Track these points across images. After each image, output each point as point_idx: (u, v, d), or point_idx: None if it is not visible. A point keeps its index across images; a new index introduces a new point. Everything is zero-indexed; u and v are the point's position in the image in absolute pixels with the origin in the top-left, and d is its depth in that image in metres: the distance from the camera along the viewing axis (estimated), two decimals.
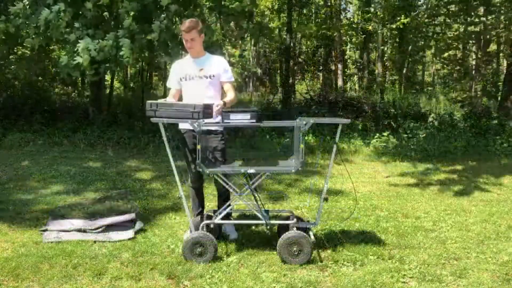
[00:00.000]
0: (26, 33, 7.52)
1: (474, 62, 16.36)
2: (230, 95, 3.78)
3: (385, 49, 16.35)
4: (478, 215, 4.70)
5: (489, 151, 8.48)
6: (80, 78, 14.47)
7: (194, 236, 3.34)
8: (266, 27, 9.82)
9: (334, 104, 12.18)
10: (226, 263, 3.35)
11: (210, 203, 5.07)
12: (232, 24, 8.86)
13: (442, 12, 11.53)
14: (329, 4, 17.67)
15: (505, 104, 10.55)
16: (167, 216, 4.56)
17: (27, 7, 7.08)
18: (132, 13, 7.27)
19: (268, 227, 3.72)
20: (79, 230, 3.95)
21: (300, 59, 17.26)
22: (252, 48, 23.31)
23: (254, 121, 3.39)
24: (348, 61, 20.48)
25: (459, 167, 7.47)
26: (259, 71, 22.39)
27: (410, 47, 14.25)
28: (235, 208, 4.31)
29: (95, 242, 3.76)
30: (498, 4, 10.21)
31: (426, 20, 12.38)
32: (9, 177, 6.18)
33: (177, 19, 7.56)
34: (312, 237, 3.50)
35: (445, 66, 15.03)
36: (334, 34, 15.93)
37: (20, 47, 11.86)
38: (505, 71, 11.29)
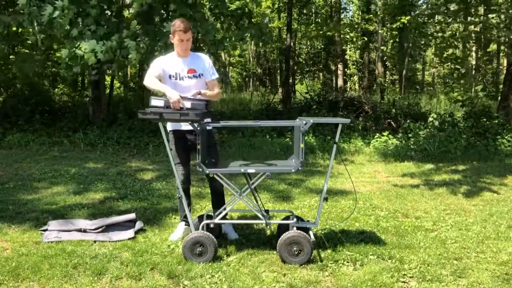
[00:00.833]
0: (29, 30, 7.54)
1: (474, 62, 16.35)
2: (215, 91, 3.82)
3: (385, 49, 16.36)
4: (478, 215, 4.70)
5: (489, 151, 8.48)
6: (80, 78, 14.50)
7: (194, 236, 3.34)
8: (266, 27, 9.80)
9: (334, 104, 12.17)
10: (226, 263, 3.35)
11: (210, 203, 5.07)
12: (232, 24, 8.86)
13: (442, 11, 11.52)
14: (329, 3, 17.69)
15: (505, 104, 10.55)
16: (167, 216, 4.56)
17: (30, 2, 7.09)
18: (136, 10, 7.29)
19: (268, 227, 3.72)
20: (79, 230, 3.95)
21: (300, 59, 17.26)
22: (252, 48, 23.32)
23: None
24: (348, 61, 20.49)
25: (459, 167, 7.47)
26: (259, 71, 22.40)
27: (410, 47, 14.25)
28: (235, 208, 4.31)
29: (95, 242, 3.77)
30: (499, 4, 10.20)
31: (426, 20, 12.37)
32: (9, 177, 6.18)
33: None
34: (312, 237, 3.50)
35: (445, 66, 15.03)
36: (335, 34, 15.94)
37: (21, 47, 11.87)
38: (505, 71, 11.27)
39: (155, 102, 3.40)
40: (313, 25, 17.29)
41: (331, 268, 3.28)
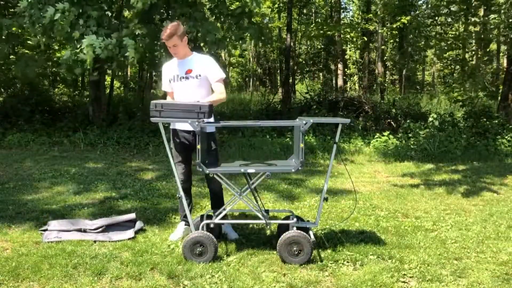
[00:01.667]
0: (30, 32, 7.54)
1: (474, 62, 16.35)
2: (214, 94, 3.72)
3: (385, 49, 16.36)
4: (478, 215, 4.70)
5: (489, 151, 8.48)
6: (80, 78, 14.49)
7: (194, 236, 3.34)
8: (266, 27, 9.82)
9: (334, 104, 12.18)
10: (226, 263, 3.35)
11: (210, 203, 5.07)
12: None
13: (442, 12, 11.53)
14: (329, 3, 17.69)
15: (505, 104, 10.54)
16: (167, 216, 4.56)
17: (31, 4, 7.09)
18: (137, 11, 7.29)
19: (268, 226, 3.72)
20: (79, 230, 3.95)
21: (300, 59, 17.26)
22: (252, 48, 23.31)
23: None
24: (348, 61, 20.50)
25: (459, 167, 7.47)
26: (259, 71, 22.40)
27: (410, 47, 14.26)
28: (235, 208, 4.31)
29: (95, 242, 3.77)
30: (499, 4, 10.20)
31: (427, 20, 12.38)
32: (9, 177, 6.18)
33: (181, 17, 7.59)
34: (312, 237, 3.50)
35: (445, 66, 15.04)
36: (335, 34, 15.94)
37: (21, 47, 11.86)
38: (505, 71, 11.27)
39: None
40: (313, 24, 17.30)
41: (331, 268, 3.28)
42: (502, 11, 10.05)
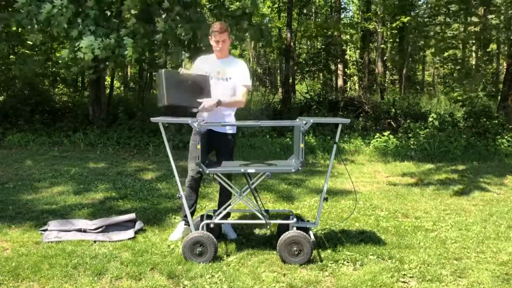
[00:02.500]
0: (28, 29, 7.53)
1: (474, 62, 16.35)
2: (235, 97, 3.76)
3: (385, 48, 16.35)
4: (478, 215, 4.70)
5: (489, 151, 8.48)
6: (80, 78, 14.50)
7: (194, 236, 3.34)
8: (266, 29, 9.78)
9: (334, 104, 12.18)
10: (226, 263, 3.35)
11: (210, 203, 5.08)
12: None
13: (442, 11, 11.52)
14: (329, 3, 17.69)
15: (505, 104, 10.54)
16: (167, 216, 4.56)
17: (30, 0, 7.09)
18: (134, 12, 7.29)
19: (268, 226, 3.72)
20: (79, 230, 3.95)
21: (300, 59, 17.25)
22: (252, 48, 23.30)
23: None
24: (348, 61, 20.48)
25: (459, 167, 7.47)
26: (259, 71, 22.40)
27: (410, 47, 14.26)
28: (235, 208, 4.31)
29: (95, 242, 3.77)
30: (498, 4, 10.20)
31: (426, 20, 12.38)
32: (9, 177, 6.18)
33: (177, 18, 7.57)
34: (312, 237, 3.50)
35: (445, 66, 15.03)
36: (335, 34, 15.93)
37: (21, 47, 11.86)
38: (505, 71, 11.27)
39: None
40: (313, 23, 17.29)
41: (331, 268, 3.28)
42: (501, 11, 10.05)
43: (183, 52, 7.75)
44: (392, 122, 10.83)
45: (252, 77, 3.89)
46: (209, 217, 3.72)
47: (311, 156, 8.44)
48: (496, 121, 9.79)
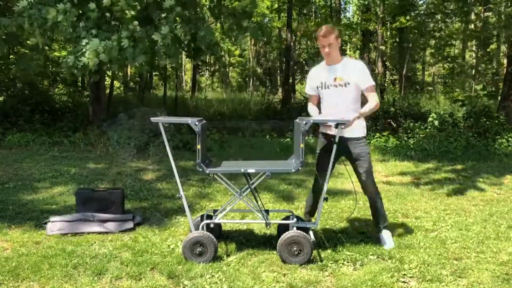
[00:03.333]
0: (29, 33, 7.53)
1: (474, 61, 16.35)
2: (369, 103, 3.57)
3: (385, 48, 16.36)
4: (478, 215, 4.70)
5: (489, 151, 8.48)
6: (80, 78, 14.50)
7: (194, 235, 3.34)
8: (266, 26, 9.82)
9: None
10: (226, 263, 3.35)
11: (210, 203, 5.08)
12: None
13: (440, 10, 11.52)
14: (329, 4, 17.70)
15: (505, 104, 10.54)
16: (167, 216, 4.56)
17: (31, 5, 7.08)
18: (132, 14, 7.28)
19: (268, 226, 3.72)
20: (81, 220, 4.01)
21: (300, 59, 17.26)
22: (252, 48, 23.31)
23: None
24: None
25: (459, 167, 7.47)
26: (259, 71, 22.39)
27: (410, 47, 14.26)
28: (235, 208, 4.31)
29: (96, 238, 3.77)
30: (497, 2, 10.20)
31: (426, 19, 12.38)
32: (9, 177, 6.18)
33: (178, 19, 7.57)
34: (312, 237, 3.50)
35: (444, 66, 15.04)
36: None
37: (20, 47, 11.86)
38: (505, 71, 11.27)
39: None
40: (313, 23, 17.31)
41: (331, 268, 3.28)
42: (501, 9, 10.05)
43: (182, 55, 7.76)
44: (392, 122, 10.84)
45: (371, 74, 3.64)
46: (209, 217, 3.72)
47: (311, 156, 8.44)
48: (496, 121, 9.79)
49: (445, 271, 3.25)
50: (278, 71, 19.79)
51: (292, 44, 14.36)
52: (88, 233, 3.94)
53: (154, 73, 16.32)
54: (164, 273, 3.15)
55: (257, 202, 3.59)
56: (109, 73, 12.42)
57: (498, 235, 4.06)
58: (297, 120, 3.64)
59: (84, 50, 7.01)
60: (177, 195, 3.79)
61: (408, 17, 12.20)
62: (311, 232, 3.60)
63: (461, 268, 3.31)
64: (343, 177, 6.58)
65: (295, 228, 3.43)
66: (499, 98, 11.30)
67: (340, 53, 3.66)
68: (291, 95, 14.36)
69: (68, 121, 10.23)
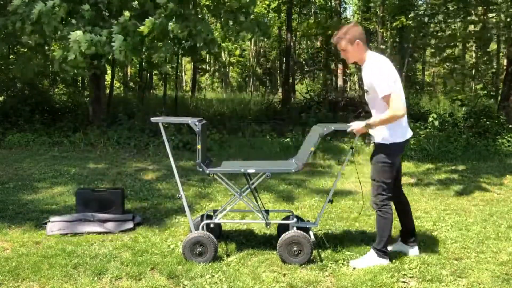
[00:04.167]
0: (21, 29, 7.52)
1: (474, 61, 16.33)
2: (382, 114, 3.24)
3: (385, 48, 16.36)
4: (478, 215, 4.70)
5: (489, 151, 8.48)
6: (80, 78, 14.50)
7: (194, 235, 3.34)
8: (265, 24, 9.81)
9: (334, 104, 12.19)
10: (226, 263, 3.35)
11: (210, 203, 5.08)
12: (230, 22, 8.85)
13: (441, 10, 11.51)
14: (329, 4, 17.71)
15: (505, 104, 10.54)
16: (167, 216, 4.56)
17: (25, 3, 7.07)
18: (130, 13, 7.28)
19: (268, 226, 3.72)
20: (81, 220, 4.03)
21: (300, 59, 17.28)
22: (252, 47, 23.31)
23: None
24: None
25: (459, 167, 7.47)
26: (259, 71, 22.40)
27: (410, 47, 14.27)
28: (235, 208, 4.31)
29: (96, 238, 3.77)
30: (499, 3, 10.19)
31: (426, 20, 12.37)
32: (9, 177, 6.18)
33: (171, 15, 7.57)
34: (312, 237, 3.50)
35: (445, 66, 15.04)
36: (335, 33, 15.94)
37: (20, 47, 11.86)
38: (505, 71, 11.27)
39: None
40: (313, 23, 17.31)
41: (331, 268, 3.28)
42: (502, 10, 10.05)
43: (175, 50, 7.75)
44: None
45: (388, 79, 3.18)
46: (209, 217, 3.72)
47: (311, 156, 8.44)
48: (496, 121, 9.79)
49: (445, 271, 3.25)
50: (278, 71, 19.79)
51: (292, 44, 14.37)
52: (88, 233, 3.94)
53: (154, 73, 16.33)
54: (164, 273, 3.15)
55: (257, 202, 3.60)
56: (109, 72, 12.45)
57: (498, 235, 4.06)
58: (316, 126, 3.59)
59: (70, 44, 7.01)
60: (177, 195, 3.79)
61: (408, 17, 12.19)
62: (311, 232, 3.60)
63: (461, 268, 3.31)
64: (343, 177, 6.58)
65: (295, 228, 3.43)
66: (499, 98, 11.29)
67: (366, 49, 3.34)
68: (291, 95, 14.37)
69: (68, 121, 10.23)
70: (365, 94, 3.43)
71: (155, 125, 3.48)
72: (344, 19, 19.13)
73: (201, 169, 3.37)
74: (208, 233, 3.37)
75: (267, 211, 3.73)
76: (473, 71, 12.58)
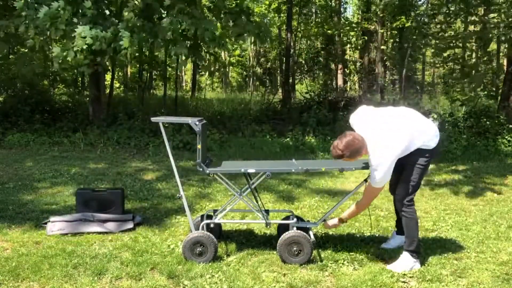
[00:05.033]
0: (26, 33, 7.54)
1: (474, 61, 16.30)
2: (354, 207, 3.51)
3: (385, 48, 16.36)
4: (478, 215, 4.70)
5: (489, 151, 8.48)
6: (80, 78, 14.50)
7: (194, 235, 3.34)
8: (266, 25, 9.82)
9: (334, 104, 12.18)
10: (226, 263, 3.35)
11: (210, 203, 5.08)
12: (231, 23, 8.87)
13: (442, 11, 11.51)
14: (330, 5, 17.70)
15: (505, 104, 10.53)
16: (167, 216, 4.56)
17: (28, 4, 7.08)
18: (134, 11, 7.32)
19: (268, 226, 3.72)
20: (81, 220, 4.02)
21: (300, 59, 17.27)
22: (252, 47, 23.31)
23: None
24: (348, 61, 20.50)
25: (459, 167, 7.47)
26: (259, 71, 22.39)
27: (410, 47, 14.27)
28: (235, 208, 4.31)
29: (96, 238, 3.77)
30: (500, 3, 10.18)
31: (426, 20, 12.37)
32: (9, 177, 6.18)
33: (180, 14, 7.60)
34: (312, 237, 3.50)
35: (445, 66, 15.03)
36: (335, 33, 15.94)
37: (20, 47, 11.86)
38: (505, 71, 11.26)
39: None
40: (313, 24, 17.29)
41: (331, 268, 3.28)
42: (502, 10, 10.04)
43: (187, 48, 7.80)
44: None
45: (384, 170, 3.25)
46: (209, 217, 3.72)
47: (311, 156, 8.44)
48: (496, 121, 9.78)
49: (445, 271, 3.25)
50: (278, 71, 19.78)
51: (292, 44, 14.36)
52: (88, 233, 3.94)
53: (154, 73, 16.33)
54: (164, 273, 3.15)
55: (257, 202, 3.60)
56: (109, 72, 12.44)
57: (498, 235, 4.06)
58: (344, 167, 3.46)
59: (74, 39, 7.03)
60: (177, 195, 3.79)
61: (408, 17, 12.18)
62: (311, 232, 3.60)
63: (461, 268, 3.31)
64: (343, 177, 6.58)
65: (295, 228, 3.44)
66: (499, 98, 11.28)
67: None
68: (291, 95, 14.35)
69: (68, 121, 10.23)
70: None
71: (155, 125, 3.48)
72: (344, 19, 19.10)
73: (201, 169, 3.37)
74: (208, 233, 3.38)
75: (267, 211, 3.73)
76: (473, 71, 12.55)
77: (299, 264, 3.30)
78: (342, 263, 3.36)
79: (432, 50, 13.79)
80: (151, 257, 3.45)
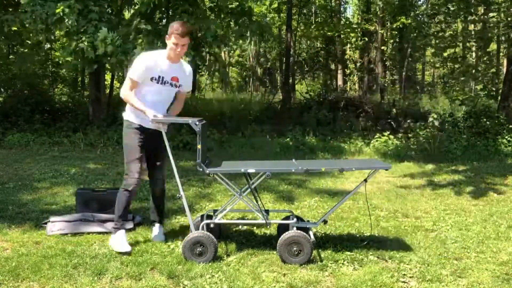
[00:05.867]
0: (32, 29, 7.58)
1: (474, 61, 16.31)
2: (178, 107, 3.86)
3: (385, 49, 16.36)
4: (478, 215, 4.70)
5: (489, 151, 8.48)
6: (80, 78, 14.48)
7: (194, 235, 3.34)
8: (267, 25, 9.85)
9: (334, 104, 12.19)
10: (226, 263, 3.35)
11: (210, 203, 5.08)
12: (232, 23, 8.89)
13: (442, 10, 11.51)
14: (330, 5, 17.70)
15: (505, 104, 10.53)
16: (167, 216, 4.55)
17: (34, 0, 7.09)
18: (138, 9, 7.37)
19: (268, 226, 3.72)
20: (81, 220, 4.01)
21: (300, 59, 17.27)
22: (252, 47, 23.29)
23: None
24: (348, 61, 20.51)
25: (459, 167, 7.47)
26: (259, 71, 22.38)
27: (410, 47, 14.27)
28: (235, 208, 4.31)
29: (96, 238, 3.77)
30: (500, 2, 10.18)
31: (426, 20, 12.38)
32: (9, 177, 6.18)
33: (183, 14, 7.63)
34: (312, 237, 3.50)
35: (445, 65, 15.03)
36: (335, 34, 15.94)
37: (20, 46, 11.86)
38: (505, 71, 11.27)
39: None
40: (314, 25, 17.29)
41: (331, 268, 3.28)
42: (502, 10, 10.05)
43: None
44: (392, 122, 10.83)
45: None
46: (209, 217, 3.72)
47: (311, 156, 8.44)
48: (496, 121, 9.79)
49: (445, 271, 3.25)
50: (278, 71, 19.78)
51: (292, 44, 14.36)
52: (88, 233, 3.94)
53: None
54: (164, 273, 3.15)
55: (257, 202, 3.59)
56: (109, 71, 12.43)
57: (498, 235, 4.06)
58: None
59: (83, 38, 7.06)
60: (177, 195, 3.79)
61: (408, 17, 12.18)
62: (311, 232, 3.59)
63: (461, 268, 3.31)
64: (343, 177, 6.58)
65: (295, 228, 3.43)
66: (499, 98, 11.29)
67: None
68: (291, 95, 14.34)
69: (68, 121, 10.23)
70: (174, 88, 3.69)
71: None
72: (344, 19, 19.11)
73: (201, 169, 3.37)
74: (208, 233, 3.37)
75: (267, 211, 3.73)
76: (473, 71, 12.55)
77: (299, 264, 3.30)
78: (342, 263, 3.36)
79: (432, 50, 13.78)
80: (151, 257, 3.45)
